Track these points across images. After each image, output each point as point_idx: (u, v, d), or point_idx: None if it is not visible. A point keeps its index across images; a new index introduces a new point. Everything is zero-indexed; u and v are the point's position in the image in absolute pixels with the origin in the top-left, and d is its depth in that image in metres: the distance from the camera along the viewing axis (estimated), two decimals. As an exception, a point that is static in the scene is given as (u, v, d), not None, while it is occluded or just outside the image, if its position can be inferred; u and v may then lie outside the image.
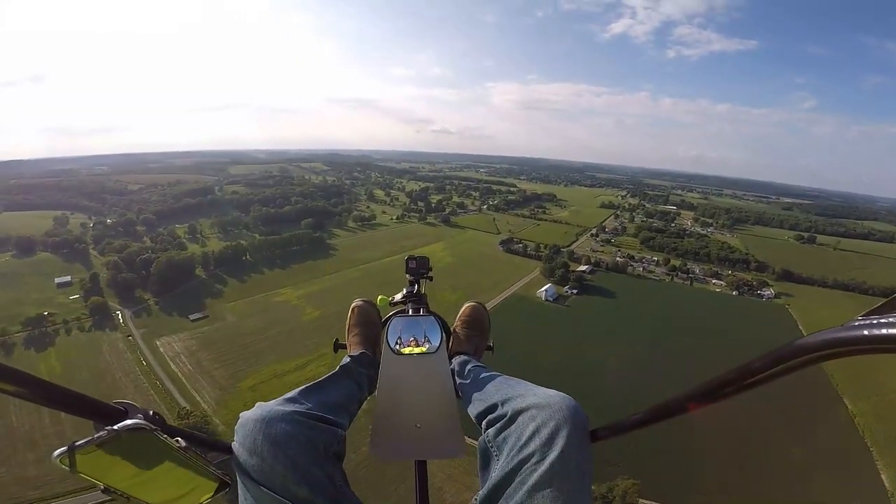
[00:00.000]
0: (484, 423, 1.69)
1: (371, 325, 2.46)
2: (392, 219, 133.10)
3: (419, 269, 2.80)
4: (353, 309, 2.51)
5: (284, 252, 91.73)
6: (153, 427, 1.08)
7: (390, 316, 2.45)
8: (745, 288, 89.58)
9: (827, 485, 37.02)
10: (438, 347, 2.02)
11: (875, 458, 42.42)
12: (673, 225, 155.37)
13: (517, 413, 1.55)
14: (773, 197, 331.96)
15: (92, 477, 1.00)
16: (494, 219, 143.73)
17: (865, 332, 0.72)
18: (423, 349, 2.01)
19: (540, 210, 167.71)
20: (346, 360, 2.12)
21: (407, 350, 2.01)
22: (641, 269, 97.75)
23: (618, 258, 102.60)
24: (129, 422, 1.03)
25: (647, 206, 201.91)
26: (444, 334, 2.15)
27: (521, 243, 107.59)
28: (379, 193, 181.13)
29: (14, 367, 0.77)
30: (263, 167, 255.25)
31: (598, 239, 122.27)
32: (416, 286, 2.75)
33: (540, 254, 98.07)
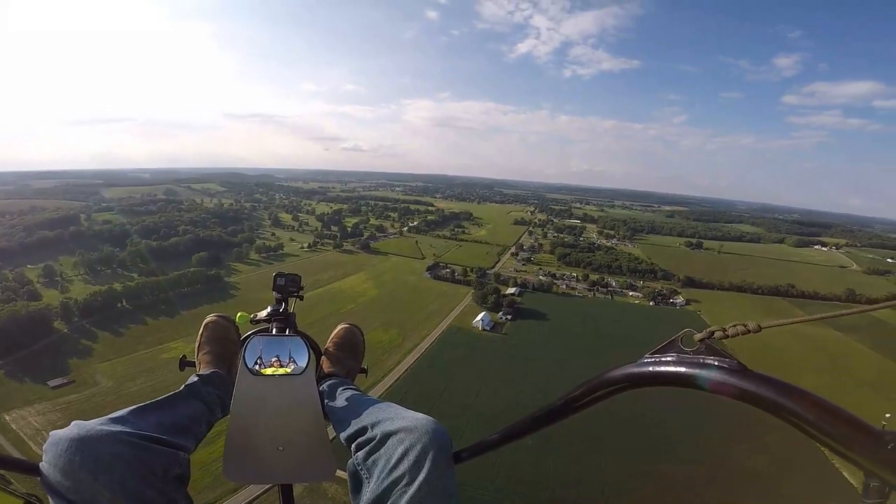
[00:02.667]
0: (353, 445, 1.68)
1: (226, 342, 2.26)
2: (303, 247, 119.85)
3: (289, 286, 2.55)
4: (205, 324, 2.30)
5: (172, 296, 76.08)
6: None
7: (250, 334, 2.22)
8: (660, 298, 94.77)
9: (798, 489, 37.35)
10: (305, 369, 1.88)
11: (828, 457, 43.67)
12: (582, 239, 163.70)
13: (387, 436, 1.55)
14: (656, 205, 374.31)
15: None
16: (417, 242, 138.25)
17: (650, 369, 0.97)
18: (287, 370, 1.86)
19: (459, 230, 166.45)
20: (194, 378, 1.96)
21: (268, 371, 1.85)
22: (564, 286, 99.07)
23: (541, 277, 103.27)
24: None
25: (554, 220, 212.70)
26: (312, 355, 1.98)
27: (447, 268, 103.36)
28: (285, 218, 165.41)
29: None
30: (146, 189, 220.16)
31: (518, 258, 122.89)
32: (284, 305, 2.50)
33: (468, 279, 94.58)
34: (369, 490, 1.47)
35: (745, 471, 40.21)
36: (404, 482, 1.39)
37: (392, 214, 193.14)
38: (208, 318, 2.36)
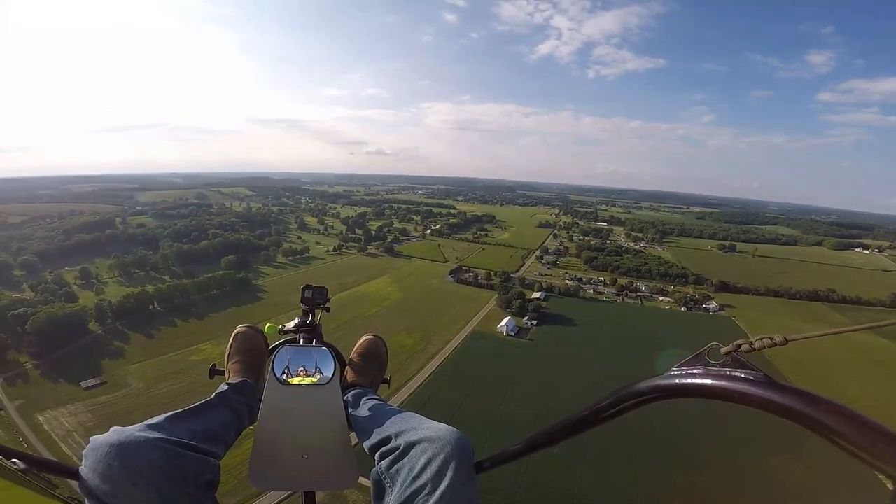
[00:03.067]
0: (377, 454, 1.72)
1: (255, 352, 2.33)
2: (328, 250, 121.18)
3: (316, 299, 2.64)
4: (235, 335, 2.38)
5: (202, 298, 77.82)
6: None
7: (278, 344, 2.30)
8: (692, 303, 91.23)
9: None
10: (331, 379, 1.94)
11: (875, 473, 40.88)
12: (608, 242, 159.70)
13: (410, 446, 1.59)
14: (685, 207, 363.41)
15: None
16: (439, 245, 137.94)
17: (677, 381, 0.98)
18: (314, 380, 1.93)
19: (482, 233, 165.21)
20: (224, 387, 2.02)
21: (295, 380, 1.92)
22: (592, 290, 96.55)
23: (567, 281, 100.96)
24: None
25: (580, 223, 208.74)
26: (337, 366, 2.04)
27: (470, 272, 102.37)
28: (311, 221, 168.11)
29: None
30: (178, 193, 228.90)
31: (543, 261, 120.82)
32: (311, 316, 2.59)
33: (492, 282, 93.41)
34: (392, 498, 1.51)
35: (781, 483, 37.98)
36: (427, 491, 1.43)
37: (415, 217, 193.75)
38: (238, 329, 2.40)
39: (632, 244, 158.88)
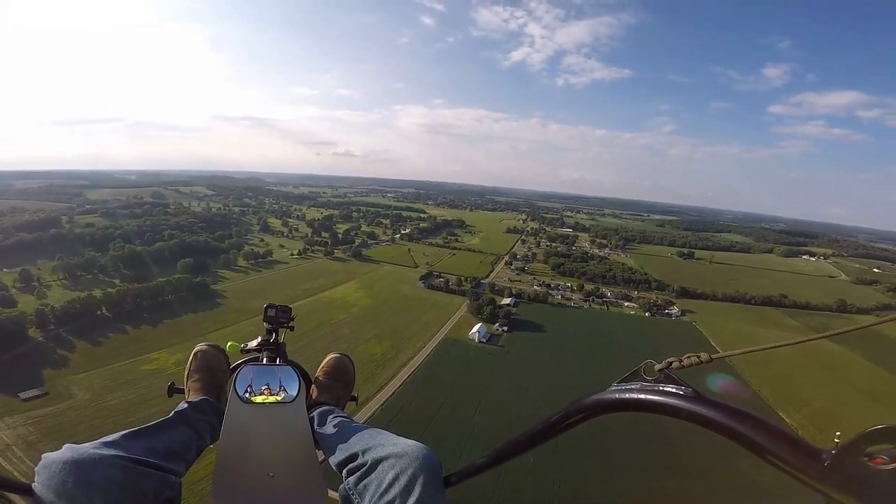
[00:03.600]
0: (344, 471, 1.73)
1: (216, 371, 2.32)
2: (292, 254, 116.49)
3: (279, 317, 2.57)
4: (195, 353, 2.37)
5: (155, 304, 72.86)
6: None
7: (240, 363, 2.29)
8: (655, 308, 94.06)
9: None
10: (296, 397, 1.93)
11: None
12: (574, 248, 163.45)
13: (377, 461, 1.60)
14: (645, 214, 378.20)
15: None
16: (409, 249, 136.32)
17: (616, 396, 1.07)
18: (278, 398, 1.92)
19: (452, 238, 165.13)
20: (184, 405, 2.01)
21: (259, 399, 1.90)
22: (560, 296, 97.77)
23: (536, 287, 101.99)
24: None
25: (546, 229, 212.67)
26: (302, 384, 2.04)
27: (441, 277, 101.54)
28: (275, 223, 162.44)
29: None
30: (132, 192, 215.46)
31: (512, 267, 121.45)
32: (275, 335, 2.51)
33: (462, 288, 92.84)
34: None
35: (754, 485, 39.28)
36: None
37: (384, 221, 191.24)
38: (198, 347, 2.41)
39: (597, 251, 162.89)
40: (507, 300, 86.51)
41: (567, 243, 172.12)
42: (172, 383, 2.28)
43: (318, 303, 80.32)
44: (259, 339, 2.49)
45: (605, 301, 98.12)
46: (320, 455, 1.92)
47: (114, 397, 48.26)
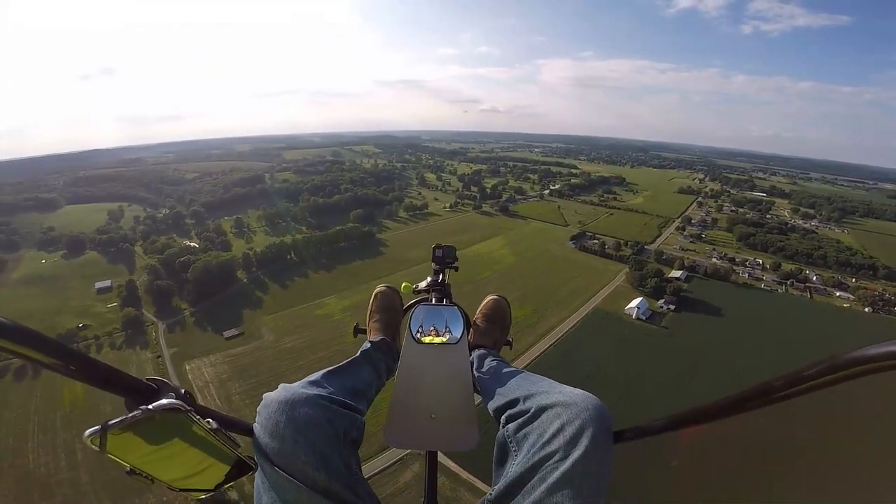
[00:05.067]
0: (503, 417, 1.68)
1: (393, 311, 2.47)
2: (445, 207, 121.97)
3: (445, 258, 2.74)
4: (375, 294, 2.52)
5: (332, 250, 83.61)
6: (187, 407, 1.05)
7: (413, 303, 2.46)
8: (881, 303, 70.20)
9: None
10: (460, 339, 1.97)
11: None
12: (769, 217, 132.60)
13: (541, 410, 1.53)
14: (871, 182, 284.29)
15: (121, 458, 0.96)
16: (559, 207, 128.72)
17: None
18: (444, 339, 1.97)
19: (610, 196, 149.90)
20: (367, 345, 2.15)
21: (428, 339, 1.97)
22: (747, 275, 79.91)
23: (715, 260, 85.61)
24: (164, 401, 1.00)
25: (731, 192, 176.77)
26: (465, 326, 2.07)
27: (595, 238, 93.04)
28: (430, 177, 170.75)
29: (46, 335, 0.77)
30: (317, 151, 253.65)
31: (685, 234, 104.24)
32: (442, 275, 2.68)
33: (621, 253, 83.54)
34: (517, 463, 1.45)
35: None
36: (557, 457, 1.35)
37: (531, 177, 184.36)
38: (378, 289, 2.55)
39: (800, 222, 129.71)
40: (676, 273, 74.51)
41: (760, 210, 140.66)
42: (357, 324, 2.43)
43: (465, 258, 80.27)
44: (428, 279, 2.64)
45: (808, 287, 76.82)
46: (476, 398, 1.92)
47: (290, 340, 54.80)
